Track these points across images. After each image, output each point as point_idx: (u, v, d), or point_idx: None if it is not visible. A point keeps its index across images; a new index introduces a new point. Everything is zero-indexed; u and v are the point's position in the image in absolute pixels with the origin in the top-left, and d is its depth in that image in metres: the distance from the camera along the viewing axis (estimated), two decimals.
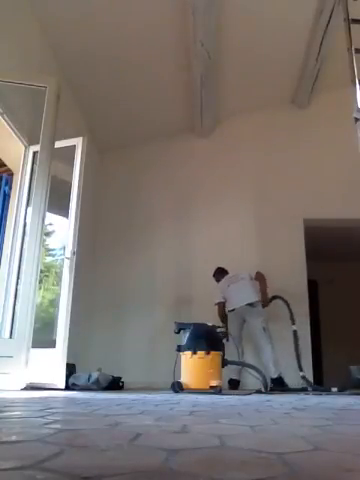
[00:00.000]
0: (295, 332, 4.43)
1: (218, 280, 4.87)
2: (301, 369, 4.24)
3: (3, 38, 3.42)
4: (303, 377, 4.17)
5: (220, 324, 4.22)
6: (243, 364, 4.23)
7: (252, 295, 4.54)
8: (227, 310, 4.64)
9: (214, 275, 4.93)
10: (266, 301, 4.60)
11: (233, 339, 4.41)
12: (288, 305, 4.54)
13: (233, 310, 4.56)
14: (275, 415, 1.52)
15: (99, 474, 0.57)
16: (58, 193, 3.82)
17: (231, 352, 4.31)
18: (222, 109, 5.72)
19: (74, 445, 0.81)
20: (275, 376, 4.18)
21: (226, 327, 4.48)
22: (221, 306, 4.71)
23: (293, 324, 4.46)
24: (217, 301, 4.71)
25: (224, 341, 3.88)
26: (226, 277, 4.82)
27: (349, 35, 3.06)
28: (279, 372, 4.20)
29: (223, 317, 4.66)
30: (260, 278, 4.66)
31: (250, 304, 4.48)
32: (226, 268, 4.93)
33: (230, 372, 4.32)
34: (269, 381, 4.00)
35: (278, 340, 4.52)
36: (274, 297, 4.64)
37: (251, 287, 4.61)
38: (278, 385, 4.05)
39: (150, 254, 5.58)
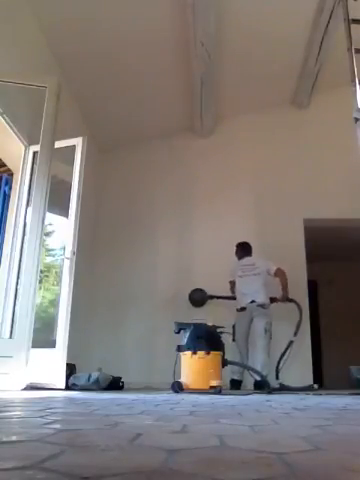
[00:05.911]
0: (291, 343, 4.45)
1: (239, 258, 4.82)
2: (278, 377, 4.27)
3: (3, 38, 3.42)
4: (280, 385, 4.10)
5: (220, 324, 4.16)
6: (242, 365, 4.21)
7: (263, 296, 4.49)
8: (237, 308, 4.56)
9: (236, 252, 4.87)
10: (284, 298, 4.54)
11: (238, 339, 4.40)
12: (301, 314, 4.56)
13: (244, 309, 4.48)
14: (275, 415, 1.53)
15: (99, 474, 0.57)
16: (58, 193, 3.82)
17: (234, 352, 4.32)
18: (222, 109, 5.72)
19: (74, 445, 0.81)
20: (258, 378, 4.00)
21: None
22: (233, 284, 4.76)
23: (294, 335, 4.47)
24: (229, 280, 4.81)
25: (230, 341, 3.86)
26: (243, 262, 4.72)
27: (349, 35, 3.07)
28: (264, 377, 3.93)
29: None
30: (280, 274, 4.57)
31: (260, 305, 4.45)
32: (248, 245, 4.87)
33: (232, 372, 4.30)
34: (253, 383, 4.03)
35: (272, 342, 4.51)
36: (292, 300, 4.60)
37: (264, 287, 4.53)
38: (259, 388, 3.91)
39: (150, 254, 5.57)
